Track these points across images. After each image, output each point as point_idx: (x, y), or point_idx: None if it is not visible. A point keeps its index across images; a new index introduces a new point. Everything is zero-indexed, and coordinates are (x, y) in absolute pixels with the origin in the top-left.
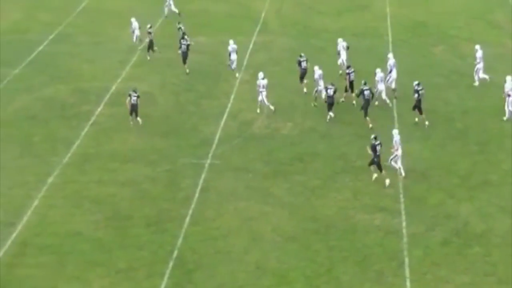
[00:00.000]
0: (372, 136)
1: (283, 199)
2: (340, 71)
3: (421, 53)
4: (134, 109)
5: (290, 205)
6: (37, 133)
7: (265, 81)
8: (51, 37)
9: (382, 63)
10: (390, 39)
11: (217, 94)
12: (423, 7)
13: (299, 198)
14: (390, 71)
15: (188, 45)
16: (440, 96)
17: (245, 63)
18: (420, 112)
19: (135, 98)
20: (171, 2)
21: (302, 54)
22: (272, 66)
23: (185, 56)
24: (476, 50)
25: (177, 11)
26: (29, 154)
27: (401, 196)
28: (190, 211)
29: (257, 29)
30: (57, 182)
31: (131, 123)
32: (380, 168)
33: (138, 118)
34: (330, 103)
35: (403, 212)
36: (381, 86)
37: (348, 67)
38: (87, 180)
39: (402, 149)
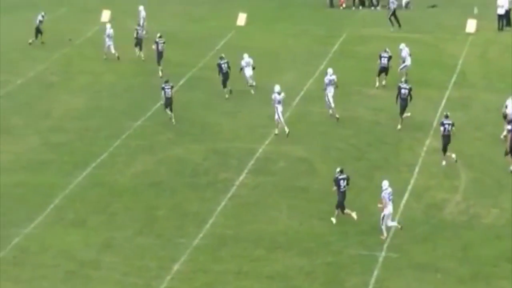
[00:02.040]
0: (338, 168)
1: None
2: None
3: None
4: (169, 103)
5: None
6: (161, 206)
7: (281, 96)
8: (181, 81)
9: None
10: None
11: (396, 165)
12: None
13: None
14: None
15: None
16: None
17: (434, 124)
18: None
19: (169, 90)
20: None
21: (387, 49)
22: (472, 131)
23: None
24: None
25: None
26: (151, 232)
27: None
28: None
29: (453, 80)
30: (184, 270)
31: (173, 120)
32: (342, 208)
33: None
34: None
35: None
36: None
37: None
38: (223, 270)
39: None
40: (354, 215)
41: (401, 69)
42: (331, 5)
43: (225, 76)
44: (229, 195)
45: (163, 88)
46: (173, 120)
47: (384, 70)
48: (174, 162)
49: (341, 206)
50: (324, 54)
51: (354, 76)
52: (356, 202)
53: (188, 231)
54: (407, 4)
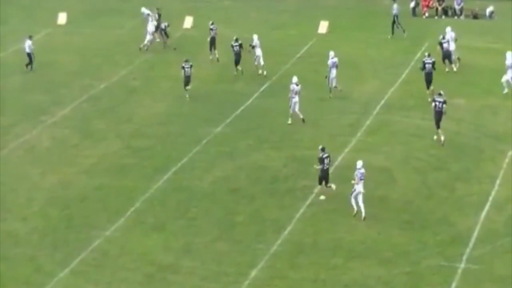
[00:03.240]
0: (320, 147)
1: None
2: None
3: None
4: (188, 81)
5: None
6: (240, 212)
7: (298, 87)
8: (262, 88)
9: None
10: None
11: (477, 176)
12: None
13: None
14: None
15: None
16: None
17: None
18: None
19: (188, 69)
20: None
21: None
22: None
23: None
24: None
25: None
26: (229, 237)
27: None
28: None
29: None
30: (262, 277)
31: (187, 96)
32: (322, 181)
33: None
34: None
35: None
36: None
37: None
38: (300, 277)
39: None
40: (333, 186)
41: (457, 57)
42: (414, 14)
43: (237, 57)
44: (308, 202)
45: (183, 67)
46: (187, 96)
47: (447, 53)
48: (254, 168)
49: (324, 180)
50: (405, 63)
51: (436, 85)
52: (436, 213)
53: (266, 237)
54: (491, 13)
